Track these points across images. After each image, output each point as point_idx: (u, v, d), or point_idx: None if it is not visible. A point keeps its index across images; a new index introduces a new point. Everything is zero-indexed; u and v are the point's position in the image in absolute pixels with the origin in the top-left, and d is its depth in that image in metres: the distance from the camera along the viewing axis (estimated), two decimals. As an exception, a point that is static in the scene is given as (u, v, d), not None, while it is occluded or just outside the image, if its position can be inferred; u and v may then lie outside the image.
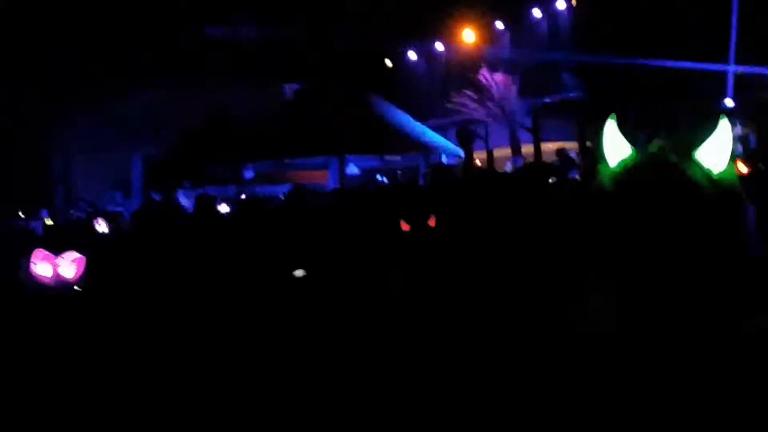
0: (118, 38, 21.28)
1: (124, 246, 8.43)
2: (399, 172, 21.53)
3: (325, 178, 20.99)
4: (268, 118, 21.68)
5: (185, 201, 19.46)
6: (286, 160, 21.02)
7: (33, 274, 6.45)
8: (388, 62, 27.35)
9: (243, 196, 16.29)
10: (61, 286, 6.27)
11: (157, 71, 21.13)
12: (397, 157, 21.99)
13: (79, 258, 6.11)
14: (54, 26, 22.14)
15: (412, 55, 27.94)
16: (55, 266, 6.35)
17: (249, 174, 21.31)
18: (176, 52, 21.56)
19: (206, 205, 17.52)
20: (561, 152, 15.36)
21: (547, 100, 24.19)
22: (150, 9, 22.11)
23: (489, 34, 26.45)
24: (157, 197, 21.49)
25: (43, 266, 6.37)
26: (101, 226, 14.47)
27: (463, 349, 3.47)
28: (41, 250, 6.66)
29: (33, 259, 6.51)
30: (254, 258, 7.92)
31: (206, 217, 16.40)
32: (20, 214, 21.37)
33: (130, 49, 21.24)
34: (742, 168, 7.42)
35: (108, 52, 21.64)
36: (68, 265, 6.11)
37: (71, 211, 21.37)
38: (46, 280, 6.33)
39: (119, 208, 20.55)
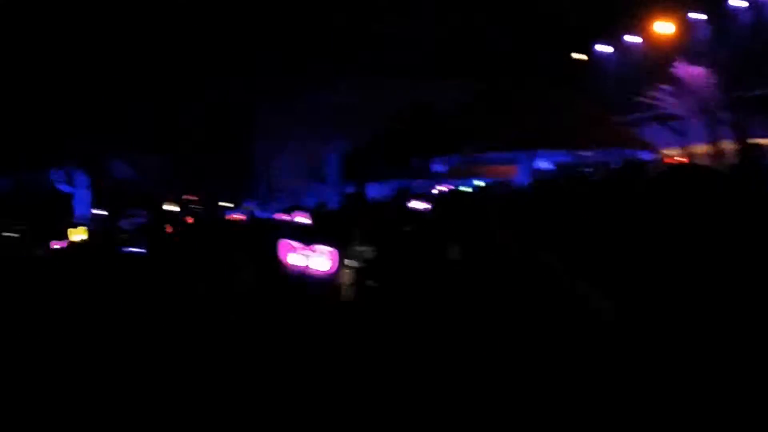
0: (317, 36, 22.36)
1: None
2: (589, 169, 20.95)
3: (513, 174, 20.94)
4: (460, 113, 21.92)
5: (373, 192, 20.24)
6: (477, 155, 21.13)
7: (285, 264, 6.95)
8: (581, 55, 26.73)
9: (441, 189, 16.58)
10: (312, 277, 6.69)
11: (353, 67, 21.99)
12: (589, 153, 21.45)
13: (333, 251, 6.48)
14: (258, 27, 23.66)
15: (604, 48, 27.12)
16: (306, 258, 6.79)
17: (439, 168, 21.65)
18: (372, 49, 22.32)
19: (403, 197, 18.10)
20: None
21: (757, 93, 22.59)
22: (351, 6, 22.95)
23: (686, 25, 25.14)
24: (351, 189, 22.50)
25: (295, 257, 6.86)
26: (302, 219, 15.39)
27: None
28: (289, 241, 7.16)
29: (284, 249, 7.01)
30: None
31: (401, 209, 16.91)
32: (227, 204, 23.19)
33: (330, 46, 22.26)
34: None
35: (307, 50, 22.84)
36: (322, 258, 6.51)
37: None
38: (299, 270, 6.79)
39: (314, 199, 21.70)
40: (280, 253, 6.98)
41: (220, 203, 23.64)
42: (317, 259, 6.59)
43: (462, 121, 21.26)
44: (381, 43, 22.35)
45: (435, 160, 21.82)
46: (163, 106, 25.53)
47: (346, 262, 6.44)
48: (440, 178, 21.13)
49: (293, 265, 6.79)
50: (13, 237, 18.59)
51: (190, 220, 19.45)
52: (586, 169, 21.08)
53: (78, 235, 14.29)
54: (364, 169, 21.60)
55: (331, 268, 6.41)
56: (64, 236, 14.10)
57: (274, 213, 18.64)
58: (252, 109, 23.78)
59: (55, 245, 12.62)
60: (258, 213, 19.06)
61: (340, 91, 22.30)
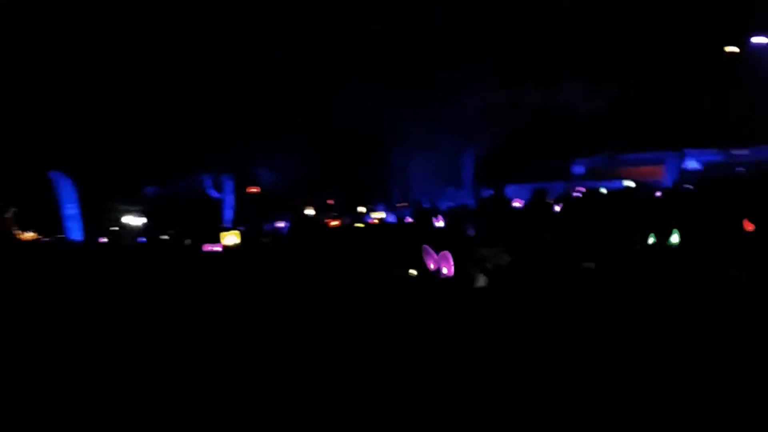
0: (456, 40, 22.35)
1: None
2: (742, 168, 19.71)
3: (659, 174, 20.13)
4: (599, 114, 21.30)
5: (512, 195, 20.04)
6: (620, 155, 20.50)
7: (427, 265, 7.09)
8: (734, 49, 25.12)
9: (581, 191, 16.23)
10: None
11: (490, 69, 21.83)
12: (745, 151, 20.20)
13: (448, 255, 6.64)
14: (396, 33, 23.97)
15: (761, 40, 25.34)
16: (437, 260, 6.94)
17: (579, 170, 21.17)
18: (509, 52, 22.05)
19: (541, 198, 17.78)
20: None
21: None
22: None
23: None
24: (488, 193, 22.38)
25: (431, 259, 7.00)
26: (439, 222, 15.45)
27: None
28: (427, 246, 7.29)
29: (425, 253, 7.16)
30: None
31: (540, 210, 16.64)
32: (364, 208, 23.65)
33: (466, 50, 22.22)
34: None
35: (445, 53, 22.89)
36: (446, 261, 6.67)
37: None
38: (436, 271, 6.94)
39: (452, 203, 21.75)
40: (423, 256, 7.14)
41: (358, 208, 24.16)
42: (443, 263, 6.74)
43: (604, 120, 20.64)
44: (519, 44, 22.03)
45: (575, 161, 21.35)
46: (307, 114, 26.35)
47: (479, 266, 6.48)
48: (580, 180, 20.65)
49: (431, 267, 6.94)
50: (167, 239, 19.88)
51: (335, 222, 19.97)
52: (738, 168, 19.92)
53: (231, 237, 14.98)
54: (501, 172, 21.42)
55: (448, 272, 6.53)
56: (216, 239, 14.72)
57: (406, 217, 18.89)
58: (388, 113, 24.12)
59: (209, 248, 13.26)
60: (389, 218, 19.30)
61: (477, 94, 22.20)
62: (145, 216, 25.15)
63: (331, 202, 26.33)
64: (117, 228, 24.31)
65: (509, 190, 21.14)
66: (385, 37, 24.09)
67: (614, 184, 18.81)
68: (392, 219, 20.07)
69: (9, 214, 21.22)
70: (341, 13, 24.90)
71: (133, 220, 24.91)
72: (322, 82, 25.70)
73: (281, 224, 19.38)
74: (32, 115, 24.08)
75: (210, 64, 26.18)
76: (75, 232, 23.92)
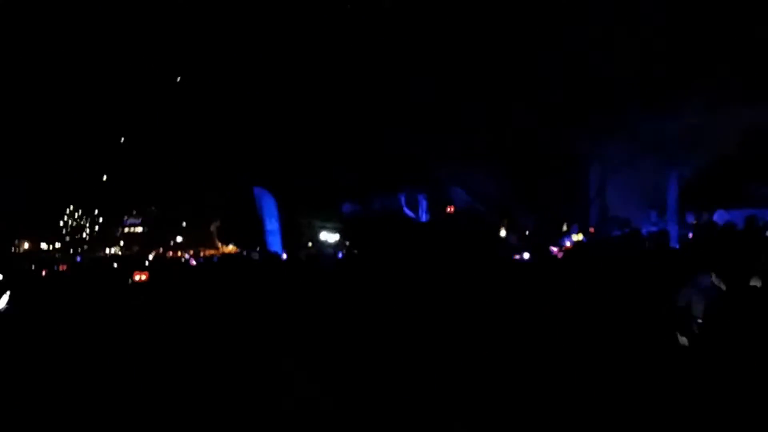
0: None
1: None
2: None
3: None
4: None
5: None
6: None
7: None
8: None
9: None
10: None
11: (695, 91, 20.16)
12: None
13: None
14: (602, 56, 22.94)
15: None
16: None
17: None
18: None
19: (753, 226, 16.01)
20: None
21: None
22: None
23: None
24: (692, 218, 20.52)
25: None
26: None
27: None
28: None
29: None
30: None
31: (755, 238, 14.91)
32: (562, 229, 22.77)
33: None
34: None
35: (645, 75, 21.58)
36: None
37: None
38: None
39: (654, 228, 20.21)
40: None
41: (556, 229, 23.31)
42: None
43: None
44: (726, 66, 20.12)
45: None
46: (503, 134, 26.03)
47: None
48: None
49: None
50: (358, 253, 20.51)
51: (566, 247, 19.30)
52: None
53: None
54: (707, 197, 19.60)
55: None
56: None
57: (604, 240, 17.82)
58: (588, 135, 23.07)
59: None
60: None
61: (681, 116, 20.54)
62: (340, 233, 26.17)
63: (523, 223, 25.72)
64: (312, 244, 25.53)
65: (718, 215, 19.33)
66: (588, 57, 23.20)
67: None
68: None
69: (213, 228, 23.10)
70: (544, 35, 24.35)
71: (329, 237, 26.02)
72: (521, 102, 25.26)
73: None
74: (239, 132, 26.16)
75: (411, 88, 26.78)
76: (275, 246, 25.43)
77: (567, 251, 17.58)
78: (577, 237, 21.59)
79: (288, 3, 27.41)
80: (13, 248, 49.91)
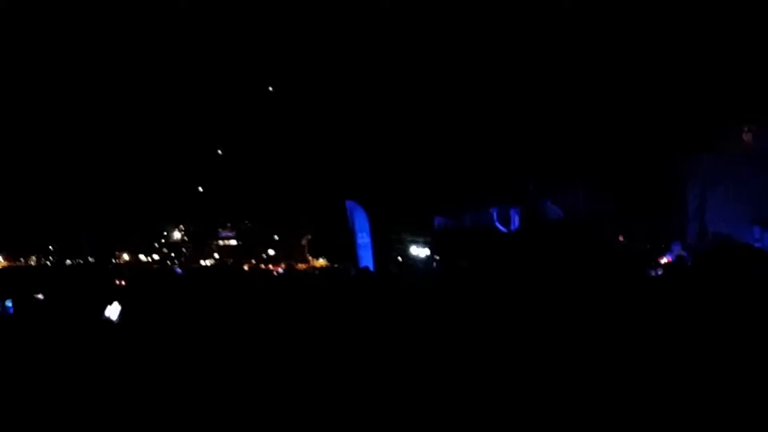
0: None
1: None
2: None
3: None
4: None
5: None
6: None
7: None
8: None
9: None
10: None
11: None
12: None
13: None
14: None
15: None
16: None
17: None
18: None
19: None
20: None
21: None
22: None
23: None
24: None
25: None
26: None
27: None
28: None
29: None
30: None
31: None
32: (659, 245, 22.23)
33: None
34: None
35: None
36: None
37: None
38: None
39: (757, 244, 19.53)
40: None
41: (656, 245, 22.79)
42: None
43: None
44: None
45: None
46: (597, 148, 25.76)
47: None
48: None
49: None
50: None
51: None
52: None
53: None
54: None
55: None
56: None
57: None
58: (686, 147, 22.56)
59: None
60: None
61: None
62: (430, 247, 26.32)
63: (620, 239, 25.22)
64: (401, 258, 25.78)
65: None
66: (690, 65, 22.81)
67: None
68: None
69: (304, 241, 23.72)
70: (641, 39, 24.04)
71: (419, 251, 26.23)
72: (616, 113, 24.98)
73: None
74: (332, 146, 26.81)
75: (502, 100, 26.86)
76: (366, 260, 25.77)
77: (672, 267, 17.18)
78: (678, 253, 21.04)
79: (395, 20, 27.93)
80: (113, 260, 52.38)
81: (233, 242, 57.59)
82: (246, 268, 35.84)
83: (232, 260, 49.61)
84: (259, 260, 48.56)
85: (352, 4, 28.40)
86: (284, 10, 30.03)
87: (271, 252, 51.78)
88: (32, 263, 49.76)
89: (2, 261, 49.94)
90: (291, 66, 31.76)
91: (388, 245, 25.94)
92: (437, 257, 25.30)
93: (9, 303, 15.61)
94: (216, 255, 55.94)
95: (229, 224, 56.63)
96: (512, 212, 28.46)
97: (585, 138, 25.75)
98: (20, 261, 50.76)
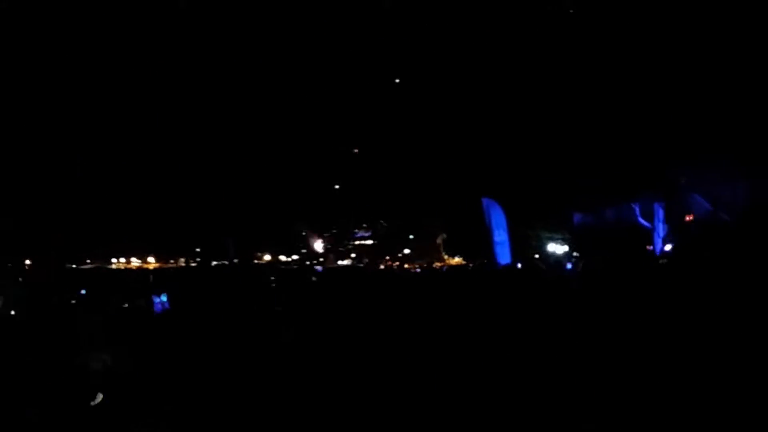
0: None
1: None
2: None
3: None
4: None
5: None
6: None
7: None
8: None
9: None
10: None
11: None
12: None
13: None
14: None
15: None
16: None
17: None
18: None
19: None
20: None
21: None
22: None
23: None
24: None
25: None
26: None
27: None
28: None
29: None
30: None
31: None
32: None
33: None
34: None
35: None
36: None
37: None
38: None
39: None
40: None
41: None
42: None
43: None
44: None
45: None
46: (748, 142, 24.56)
47: None
48: None
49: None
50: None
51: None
52: None
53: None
54: None
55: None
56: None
57: None
58: None
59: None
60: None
61: None
62: (569, 244, 25.97)
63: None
64: (539, 255, 25.57)
65: None
66: None
67: None
68: None
69: (439, 240, 23.97)
70: None
71: (557, 248, 25.95)
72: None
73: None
74: (468, 143, 26.98)
75: (648, 91, 26.14)
76: (504, 257, 25.78)
77: None
78: None
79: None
80: (255, 260, 54.81)
81: (369, 242, 58.82)
82: (382, 267, 36.63)
83: (368, 260, 50.70)
84: (395, 259, 49.38)
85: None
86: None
87: (406, 251, 52.50)
88: (181, 264, 52.91)
89: (155, 262, 53.67)
90: (424, 63, 32.15)
91: (525, 242, 25.77)
92: (576, 254, 24.93)
93: (164, 298, 16.97)
94: (353, 255, 57.32)
95: (365, 224, 57.89)
96: (656, 206, 27.59)
97: (747, 124, 24.51)
98: (171, 262, 54.19)
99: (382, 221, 56.12)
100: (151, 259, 54.90)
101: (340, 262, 53.90)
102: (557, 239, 26.42)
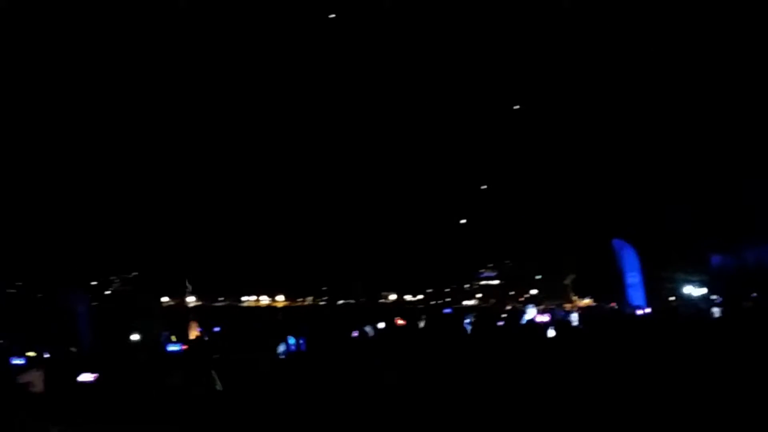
0: None
1: None
2: None
3: None
4: None
5: None
6: None
7: None
8: None
9: None
10: None
11: None
12: None
13: None
14: None
15: None
16: None
17: None
18: None
19: None
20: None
21: None
22: None
23: None
24: None
25: None
26: None
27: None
28: None
29: None
30: None
31: None
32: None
33: None
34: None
35: None
36: None
37: None
38: None
39: None
40: None
41: None
42: None
43: None
44: None
45: None
46: None
47: None
48: None
49: None
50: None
51: None
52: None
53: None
54: None
55: None
56: None
57: None
58: None
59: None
60: None
61: None
62: (707, 286, 25.36)
63: None
64: (674, 298, 25.13)
65: None
66: None
67: None
68: None
69: (568, 281, 23.95)
70: None
71: (693, 290, 25.42)
72: None
73: None
74: (597, 184, 26.81)
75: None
76: (637, 300, 25.53)
77: None
78: None
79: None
80: (380, 299, 55.91)
81: (495, 282, 58.66)
82: (509, 307, 36.68)
83: (494, 300, 50.66)
84: (522, 300, 49.14)
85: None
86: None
87: (533, 292, 52.10)
88: (309, 303, 54.76)
89: (284, 300, 55.69)
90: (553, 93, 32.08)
91: (660, 284, 25.40)
92: (714, 297, 24.27)
93: (302, 340, 17.99)
94: (479, 295, 57.35)
95: (491, 264, 57.84)
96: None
97: None
98: (299, 300, 56.15)
99: (508, 261, 56.01)
100: (280, 297, 56.96)
101: (465, 302, 54.08)
102: (694, 281, 25.83)
